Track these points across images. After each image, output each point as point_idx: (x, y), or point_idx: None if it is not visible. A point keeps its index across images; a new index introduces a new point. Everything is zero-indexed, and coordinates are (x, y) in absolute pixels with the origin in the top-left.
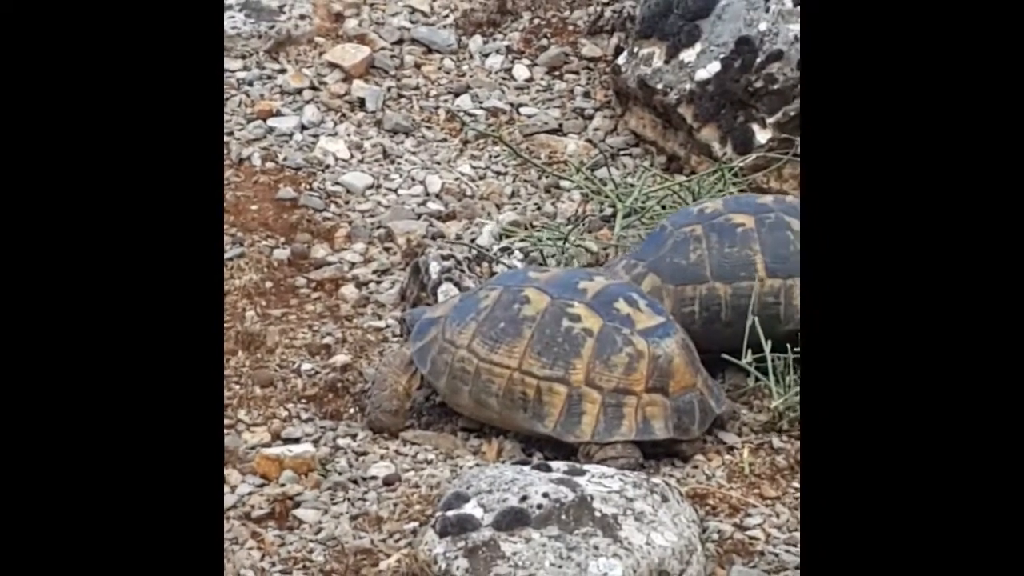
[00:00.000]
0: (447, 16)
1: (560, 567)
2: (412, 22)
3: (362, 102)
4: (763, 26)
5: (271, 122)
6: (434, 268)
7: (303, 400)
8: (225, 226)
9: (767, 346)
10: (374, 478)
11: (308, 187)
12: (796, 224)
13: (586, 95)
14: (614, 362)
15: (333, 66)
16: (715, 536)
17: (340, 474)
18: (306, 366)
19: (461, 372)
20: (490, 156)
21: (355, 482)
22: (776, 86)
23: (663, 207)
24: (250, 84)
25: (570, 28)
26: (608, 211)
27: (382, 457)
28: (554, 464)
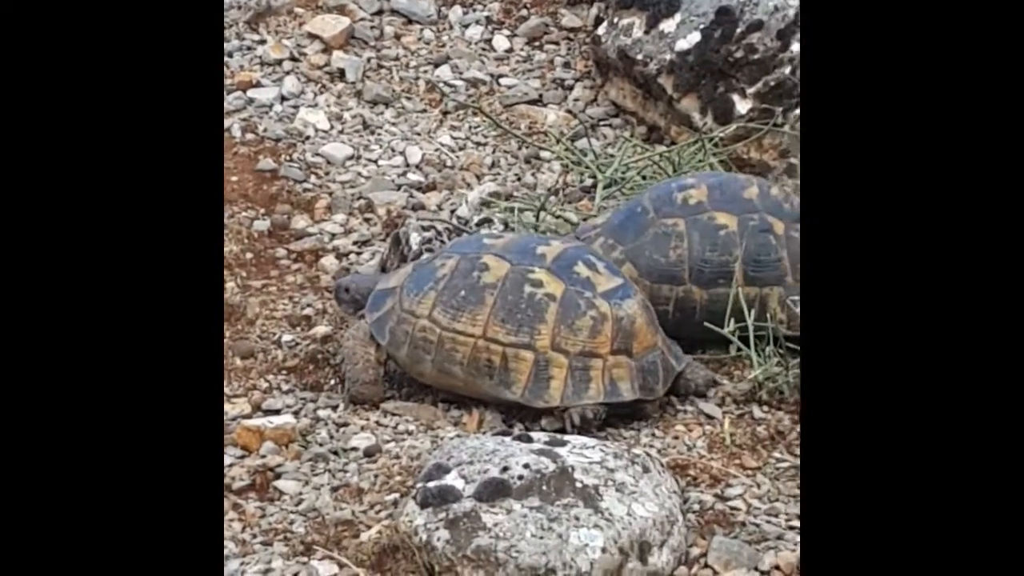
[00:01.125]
0: None
1: (541, 538)
2: None
3: (342, 73)
4: None
5: (251, 93)
6: (414, 239)
7: (283, 371)
8: None
9: (749, 317)
10: (355, 449)
11: (288, 158)
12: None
13: (566, 66)
14: (578, 326)
15: (313, 37)
16: (696, 506)
17: (321, 445)
18: (287, 337)
19: (423, 342)
20: (470, 127)
21: (336, 453)
22: (756, 56)
23: (643, 178)
24: (230, 55)
25: None
26: (588, 182)
27: (363, 428)
28: (535, 435)
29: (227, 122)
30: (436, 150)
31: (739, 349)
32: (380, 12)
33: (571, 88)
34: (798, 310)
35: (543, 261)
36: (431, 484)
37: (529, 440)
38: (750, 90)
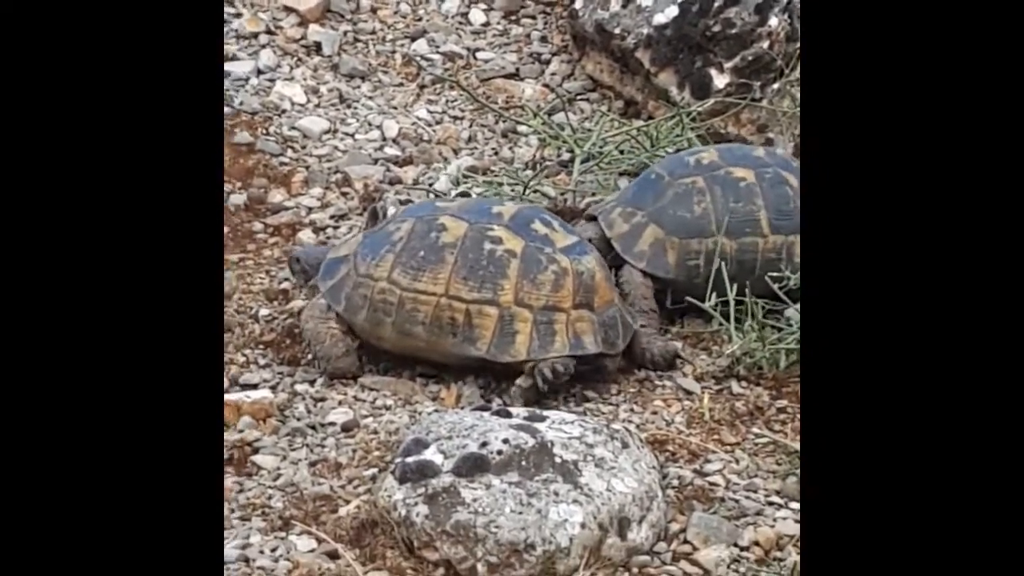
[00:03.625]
0: None
1: (520, 513)
2: None
3: (318, 46)
4: None
5: (227, 67)
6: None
7: (261, 345)
8: None
9: (731, 292)
10: (332, 424)
11: (264, 132)
12: (793, 180)
13: (543, 40)
14: (541, 280)
15: (289, 10)
16: (675, 482)
17: (298, 420)
18: (263, 311)
19: (383, 304)
20: (447, 101)
21: (313, 428)
22: (734, 30)
23: (621, 152)
24: None
25: None
26: (566, 156)
27: (340, 403)
28: (514, 410)
29: None
30: (413, 124)
31: (719, 323)
32: None
33: (548, 62)
34: None
35: (500, 219)
36: (410, 459)
37: (508, 415)
38: (727, 64)
